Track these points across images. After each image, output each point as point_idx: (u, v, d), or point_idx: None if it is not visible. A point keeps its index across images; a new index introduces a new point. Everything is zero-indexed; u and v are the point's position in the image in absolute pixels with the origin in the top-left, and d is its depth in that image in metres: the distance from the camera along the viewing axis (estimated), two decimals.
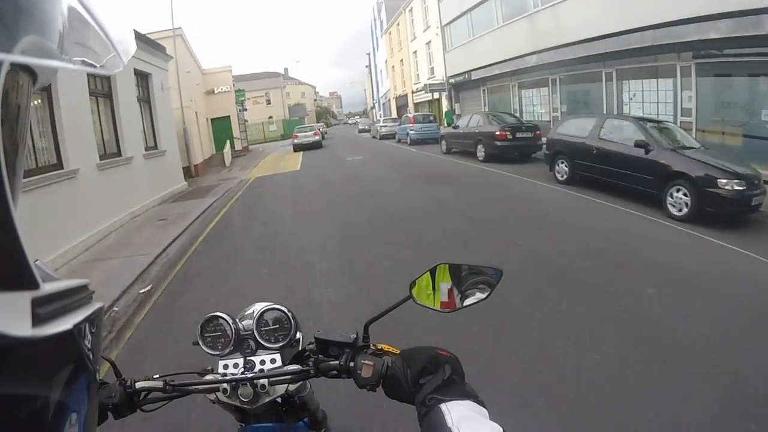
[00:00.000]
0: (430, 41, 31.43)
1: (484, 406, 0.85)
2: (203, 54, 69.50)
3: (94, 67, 0.42)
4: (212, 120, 31.16)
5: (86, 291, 0.44)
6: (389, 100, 48.47)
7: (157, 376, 1.17)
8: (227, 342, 1.23)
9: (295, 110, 73.25)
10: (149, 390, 1.14)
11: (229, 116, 31.78)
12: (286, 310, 1.29)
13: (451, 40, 27.80)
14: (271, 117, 60.44)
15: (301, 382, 1.20)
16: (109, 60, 0.43)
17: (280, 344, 1.25)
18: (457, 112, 27.43)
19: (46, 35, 0.34)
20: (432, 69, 32.08)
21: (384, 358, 1.04)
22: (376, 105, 71.59)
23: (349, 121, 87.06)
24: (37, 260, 0.37)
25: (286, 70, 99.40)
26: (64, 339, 0.36)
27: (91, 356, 0.42)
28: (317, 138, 30.52)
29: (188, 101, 21.97)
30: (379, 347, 1.10)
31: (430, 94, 31.79)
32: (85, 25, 0.40)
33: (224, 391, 1.11)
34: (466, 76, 25.89)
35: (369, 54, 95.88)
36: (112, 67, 0.44)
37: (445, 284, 1.08)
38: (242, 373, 1.16)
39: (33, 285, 0.33)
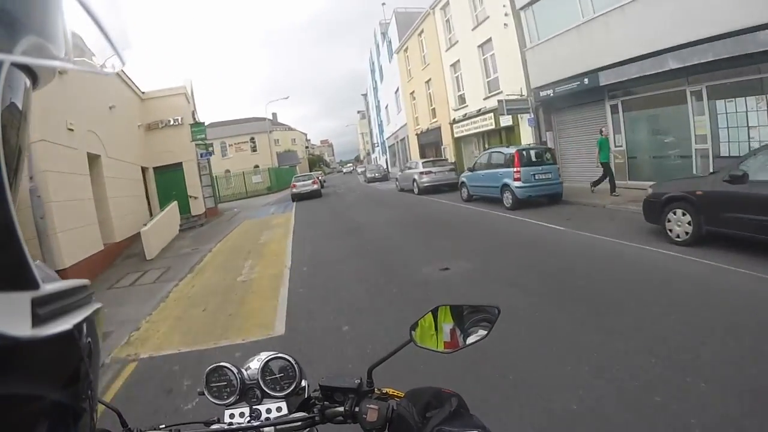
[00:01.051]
0: (487, 41, 20.21)
1: None
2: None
3: (94, 67, 0.42)
4: (156, 170, 19.48)
5: (86, 291, 0.44)
6: (404, 138, 37.21)
7: (163, 426, 1.16)
8: (233, 391, 1.20)
9: (286, 158, 62.13)
10: None
11: (181, 164, 20.07)
12: (290, 359, 1.23)
13: (537, 30, 16.69)
14: (257, 166, 48.92)
15: (307, 429, 1.15)
16: (109, 60, 0.43)
17: (286, 392, 1.20)
18: (543, 140, 16.22)
19: (46, 36, 0.34)
20: (488, 84, 20.82)
21: (389, 402, 1.04)
22: (378, 149, 60.70)
23: (344, 170, 77.22)
24: (37, 261, 0.36)
25: (274, 115, 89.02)
26: (64, 339, 0.36)
27: (90, 356, 0.41)
28: (316, 187, 27.40)
29: (79, 136, 10.55)
30: (384, 391, 1.10)
31: (490, 120, 20.42)
32: (85, 25, 0.39)
33: None
34: (579, 82, 14.58)
35: (365, 94, 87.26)
36: (112, 67, 0.43)
37: (447, 325, 1.11)
38: (248, 422, 1.15)
39: (33, 285, 0.34)
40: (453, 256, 7.84)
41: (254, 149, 57.18)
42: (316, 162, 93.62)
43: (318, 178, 30.49)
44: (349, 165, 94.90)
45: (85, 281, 0.44)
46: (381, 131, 54.54)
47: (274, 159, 57.69)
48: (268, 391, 1.21)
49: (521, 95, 17.52)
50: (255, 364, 1.28)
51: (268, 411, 1.18)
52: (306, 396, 1.25)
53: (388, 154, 49.44)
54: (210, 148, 25.98)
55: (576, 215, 10.85)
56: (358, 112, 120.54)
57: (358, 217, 14.99)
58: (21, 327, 0.30)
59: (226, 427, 1.14)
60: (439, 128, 27.26)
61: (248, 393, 1.22)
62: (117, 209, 13.55)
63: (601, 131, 12.82)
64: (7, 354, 0.29)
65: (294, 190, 27.07)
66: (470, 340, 1.11)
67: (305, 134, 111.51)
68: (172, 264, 10.85)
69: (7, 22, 0.29)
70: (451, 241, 9.21)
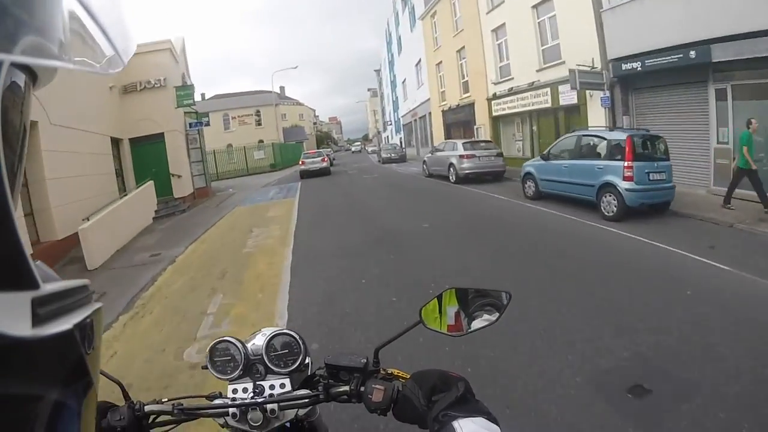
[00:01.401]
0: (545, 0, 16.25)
1: (496, 423, 0.84)
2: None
3: (94, 67, 0.42)
4: (133, 142, 15.84)
5: (86, 291, 0.44)
6: (425, 116, 33.27)
7: (166, 399, 1.14)
8: (236, 366, 1.18)
9: (292, 133, 58.36)
10: (158, 413, 1.11)
11: (162, 135, 16.39)
12: (295, 335, 1.22)
13: None
14: (261, 141, 45.08)
15: (310, 407, 1.16)
16: (108, 60, 0.43)
17: (290, 369, 1.19)
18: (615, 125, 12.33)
19: (46, 35, 0.34)
20: (543, 53, 16.87)
21: (394, 382, 1.03)
22: (391, 128, 56.73)
23: (352, 148, 72.94)
24: (38, 261, 0.37)
25: (281, 89, 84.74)
26: (64, 339, 0.36)
27: (90, 357, 0.42)
28: (325, 164, 26.34)
29: None
30: (389, 372, 1.08)
31: (545, 97, 16.56)
32: (85, 24, 0.40)
33: (233, 415, 1.09)
34: (682, 55, 10.73)
35: (378, 70, 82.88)
36: (112, 66, 0.44)
37: (451, 308, 1.09)
38: (252, 397, 1.13)
39: (33, 285, 0.34)
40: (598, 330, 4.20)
41: (259, 123, 53.33)
42: (323, 139, 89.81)
43: (327, 155, 29.06)
44: (357, 143, 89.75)
45: (85, 281, 0.44)
46: (395, 108, 50.45)
47: (280, 134, 54.01)
48: (272, 367, 1.19)
49: (592, 67, 13.65)
50: (259, 340, 1.25)
51: (272, 387, 1.16)
52: (310, 373, 1.24)
53: (403, 133, 45.46)
54: (204, 119, 22.39)
55: (710, 238, 7.29)
56: (369, 89, 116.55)
57: (383, 214, 11.17)
58: (21, 327, 0.30)
59: (229, 402, 1.12)
60: (472, 105, 23.31)
61: (252, 368, 1.20)
62: (63, 194, 9.95)
63: (749, 123, 8.78)
64: (7, 354, 0.29)
65: (302, 166, 25.97)
66: (476, 324, 1.08)
67: (314, 110, 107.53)
68: (112, 286, 7.23)
69: (7, 21, 0.29)
70: (558, 283, 5.54)
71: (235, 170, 36.60)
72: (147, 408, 1.10)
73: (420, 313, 1.06)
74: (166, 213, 14.73)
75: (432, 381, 0.96)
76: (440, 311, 1.09)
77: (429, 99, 30.82)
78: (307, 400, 1.11)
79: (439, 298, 1.08)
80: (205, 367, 1.21)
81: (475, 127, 22.87)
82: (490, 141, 18.11)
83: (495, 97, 20.34)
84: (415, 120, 37.52)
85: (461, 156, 15.93)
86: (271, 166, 38.71)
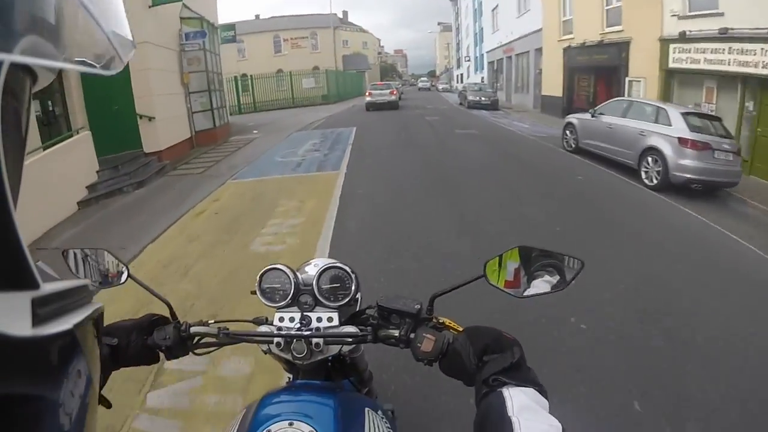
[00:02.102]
0: None
1: (546, 397, 0.82)
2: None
3: (95, 67, 0.41)
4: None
5: (86, 291, 0.44)
6: (527, 53, 25.07)
7: (212, 321, 1.14)
8: (285, 295, 1.17)
9: (353, 61, 50.53)
10: (203, 335, 1.12)
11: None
12: (348, 269, 1.19)
13: None
14: (316, 67, 37.68)
15: (354, 346, 1.15)
16: (109, 60, 0.42)
17: (339, 303, 1.16)
18: None
19: (46, 35, 0.34)
20: None
21: (445, 333, 1.00)
22: (469, 65, 48.11)
23: (419, 84, 64.03)
24: (38, 261, 0.37)
25: (345, 13, 76.35)
26: (64, 339, 0.36)
27: (90, 356, 0.42)
28: (393, 98, 24.03)
29: None
30: (442, 321, 1.06)
31: None
32: (85, 24, 0.39)
33: (278, 344, 1.08)
34: None
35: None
36: (113, 66, 0.43)
37: (512, 263, 1.04)
38: (298, 329, 1.11)
39: (33, 285, 0.34)
40: None
41: (315, 47, 46.06)
42: (388, 71, 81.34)
43: (396, 89, 26.41)
44: (424, 79, 79.29)
45: (85, 281, 0.44)
46: (478, 42, 41.72)
47: (339, 62, 46.53)
48: (322, 300, 1.16)
49: None
50: (311, 270, 1.25)
51: (319, 320, 1.13)
52: (358, 309, 1.22)
53: (487, 72, 37.18)
54: (228, 32, 15.73)
55: None
56: (440, 23, 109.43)
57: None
58: (21, 327, 0.30)
59: (275, 330, 1.10)
60: (623, 45, 15.10)
61: (301, 298, 1.18)
62: None
63: None
64: (7, 354, 0.29)
65: (369, 98, 24.44)
66: (535, 285, 1.03)
67: (379, 40, 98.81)
68: None
69: (7, 21, 0.29)
70: None
71: (278, 101, 29.85)
72: (193, 329, 1.11)
73: (484, 267, 1.03)
74: (112, 187, 8.21)
75: (485, 340, 0.92)
76: (500, 265, 1.04)
77: (539, 30, 22.55)
78: (353, 339, 1.08)
79: (503, 254, 1.03)
80: (253, 292, 1.19)
81: (626, 79, 14.90)
82: (718, 118, 9.28)
83: (681, 38, 12.20)
84: (509, 57, 29.19)
85: (681, 141, 7.91)
86: (323, 98, 31.66)
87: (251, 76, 28.46)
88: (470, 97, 25.27)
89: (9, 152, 0.33)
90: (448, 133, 14.56)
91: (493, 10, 33.96)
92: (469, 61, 48.70)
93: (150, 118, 10.03)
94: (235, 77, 27.49)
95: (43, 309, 0.33)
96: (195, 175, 9.70)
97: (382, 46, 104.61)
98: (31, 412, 0.31)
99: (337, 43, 48.13)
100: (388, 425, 1.12)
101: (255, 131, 16.36)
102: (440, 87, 58.47)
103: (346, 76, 40.32)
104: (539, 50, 23.21)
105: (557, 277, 1.02)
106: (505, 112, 22.83)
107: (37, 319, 0.32)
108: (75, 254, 1.17)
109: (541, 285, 1.03)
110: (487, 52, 36.33)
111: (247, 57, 45.02)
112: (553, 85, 20.63)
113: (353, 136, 13.81)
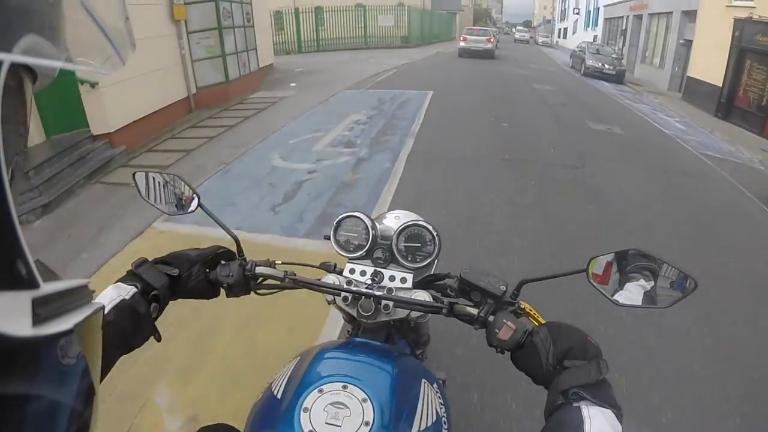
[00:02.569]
0: None
1: (621, 421, 0.76)
2: None
3: (95, 66, 0.41)
4: None
5: (86, 291, 0.43)
6: (668, 16, 19.00)
7: (279, 262, 1.13)
8: (361, 246, 1.14)
9: (444, 0, 44.39)
10: (267, 276, 1.11)
11: None
12: (432, 230, 1.12)
13: None
14: (401, 4, 32.12)
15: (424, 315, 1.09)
16: (109, 60, 0.42)
17: (417, 265, 1.11)
18: None
19: (46, 35, 0.33)
20: None
21: (524, 321, 0.95)
22: (580, 20, 41.01)
23: (516, 34, 55.18)
24: (37, 259, 0.36)
25: None
26: (64, 339, 0.35)
27: (90, 357, 0.41)
28: (490, 46, 21.77)
29: None
30: (523, 307, 1.01)
31: None
32: (86, 24, 0.39)
33: (344, 299, 1.05)
34: None
35: None
36: (113, 66, 0.43)
37: (605, 257, 0.96)
38: (369, 285, 1.05)
39: (33, 285, 0.33)
40: None
41: None
42: (481, 15, 73.61)
43: (494, 36, 23.58)
44: (521, 28, 69.29)
45: (85, 281, 0.43)
46: None
47: (427, 0, 40.72)
48: (398, 257, 1.11)
49: None
50: (391, 223, 1.26)
51: (392, 279, 1.09)
52: (434, 273, 1.17)
53: (601, 31, 30.66)
54: None
55: None
56: None
57: None
58: (21, 327, 0.30)
59: (344, 283, 1.06)
60: None
61: (375, 252, 1.13)
62: None
63: None
64: (8, 354, 0.29)
65: (463, 43, 22.15)
66: (629, 290, 0.94)
67: None
68: None
69: (7, 20, 0.29)
70: None
71: (349, 39, 25.12)
72: (258, 270, 1.09)
73: (588, 263, 0.97)
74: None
75: (569, 342, 0.87)
76: (594, 257, 0.96)
77: None
78: (426, 308, 1.02)
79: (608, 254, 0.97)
80: (327, 237, 1.16)
81: None
82: None
83: None
84: (637, 17, 22.92)
85: None
86: (403, 40, 26.59)
87: (315, 8, 23.74)
88: (589, 62, 19.16)
89: (9, 152, 0.33)
90: (576, 126, 9.24)
91: None
92: (578, 14, 41.39)
93: (92, 85, 6.05)
94: (296, 9, 23.08)
95: (44, 309, 0.33)
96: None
97: None
98: (31, 412, 0.31)
99: None
100: (441, 400, 1.03)
101: (293, 84, 12.14)
102: (540, 40, 50.96)
103: (433, 17, 34.68)
104: (689, 14, 17.23)
105: (652, 284, 0.93)
106: (634, 91, 17.24)
107: (38, 319, 0.32)
108: (146, 177, 1.12)
109: (635, 290, 0.94)
110: (606, 6, 29.66)
111: None
112: (709, 66, 14.91)
113: (424, 111, 9.20)
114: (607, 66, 18.60)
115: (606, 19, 29.76)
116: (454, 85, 12.53)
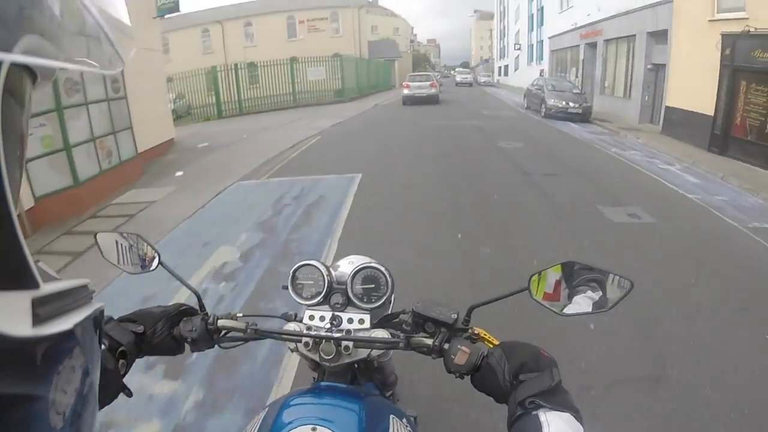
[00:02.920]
0: None
1: (581, 422, 0.79)
2: None
3: (95, 66, 0.41)
4: None
5: (86, 291, 0.44)
6: (630, 39, 16.76)
7: (241, 315, 1.13)
8: (318, 292, 1.16)
9: (382, 47, 42.46)
10: (230, 329, 1.10)
11: None
12: (384, 271, 1.16)
13: None
14: (337, 54, 29.36)
15: (383, 351, 1.12)
16: (109, 59, 0.43)
17: (373, 305, 1.14)
18: None
19: (46, 35, 0.34)
20: None
21: (479, 345, 0.98)
22: (523, 55, 39.61)
23: (457, 76, 53.09)
24: (38, 261, 0.37)
25: None
26: (64, 339, 0.36)
27: (90, 356, 0.42)
28: (434, 91, 21.27)
29: None
30: (477, 332, 1.03)
31: None
32: (86, 24, 0.39)
33: (306, 344, 1.06)
34: None
35: None
36: (113, 66, 0.43)
37: (554, 275, 0.99)
38: (328, 329, 1.09)
39: (33, 285, 0.33)
40: None
41: (337, 32, 38.31)
42: (420, 61, 72.93)
43: (436, 80, 23.41)
44: (462, 70, 63.83)
45: (85, 281, 0.44)
46: (535, 26, 33.23)
47: (364, 48, 38.59)
48: (354, 300, 1.14)
49: None
50: (346, 268, 1.24)
51: (350, 321, 1.11)
52: (390, 312, 1.18)
53: (549, 64, 28.76)
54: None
55: None
56: (476, 11, 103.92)
57: None
58: (21, 327, 0.30)
59: (304, 329, 1.08)
60: None
61: (332, 297, 1.16)
62: None
63: None
64: (8, 354, 0.29)
65: (406, 91, 21.30)
66: (577, 302, 0.98)
67: (412, 27, 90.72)
68: None
69: (7, 20, 0.29)
70: None
71: (275, 98, 21.83)
72: (220, 323, 1.09)
73: (529, 280, 1.00)
74: None
75: (522, 357, 0.89)
76: (540, 276, 1.00)
77: (659, 4, 14.26)
78: (384, 344, 1.05)
79: (548, 269, 0.99)
80: (285, 287, 1.17)
81: None
82: None
83: None
84: (590, 45, 20.87)
85: None
86: (337, 94, 23.74)
87: (234, 66, 20.61)
88: (551, 101, 16.31)
89: (9, 152, 0.33)
90: (588, 223, 5.76)
91: None
92: (519, 49, 40.11)
93: None
94: (212, 68, 20.09)
95: (43, 309, 0.33)
96: None
97: (415, 35, 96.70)
98: (31, 411, 0.31)
99: (364, 27, 40.46)
100: None
101: (179, 172, 8.68)
102: (481, 80, 49.27)
103: (370, 65, 32.38)
104: (657, 35, 15.01)
105: (599, 294, 0.97)
106: (607, 130, 14.60)
107: (38, 319, 0.32)
108: (109, 238, 1.13)
109: (583, 302, 0.98)
110: (551, 37, 27.89)
111: (255, 43, 38.23)
112: (693, 93, 12.55)
113: (343, 220, 5.78)
114: (571, 104, 15.89)
115: (552, 51, 27.92)
116: (393, 158, 9.40)
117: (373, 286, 1.15)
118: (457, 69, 73.74)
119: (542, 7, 30.60)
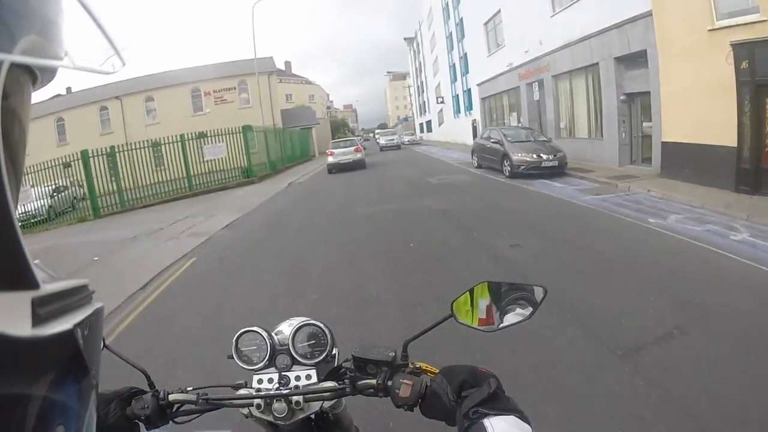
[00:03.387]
0: None
1: (528, 422, 0.80)
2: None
3: (95, 66, 0.42)
4: None
5: (86, 291, 0.44)
6: (591, 68, 13.93)
7: (191, 388, 1.10)
8: (262, 357, 1.13)
9: (297, 115, 39.14)
10: (182, 402, 1.08)
11: None
12: (323, 326, 1.15)
13: None
14: (248, 126, 25.18)
15: (336, 400, 1.12)
16: (109, 60, 0.42)
17: (316, 360, 1.13)
18: None
19: (46, 35, 0.34)
20: None
21: (422, 377, 0.98)
22: (443, 106, 37.50)
23: (379, 139, 49.89)
24: (37, 260, 0.37)
25: (287, 64, 66.67)
26: (64, 339, 0.36)
27: (90, 356, 0.41)
28: (360, 156, 20.34)
29: None
30: (418, 366, 1.03)
31: None
32: (86, 25, 0.39)
33: (258, 406, 1.04)
34: None
35: (412, 38, 63.17)
36: (112, 66, 0.43)
37: (483, 301, 1.02)
38: (277, 389, 1.08)
39: (33, 285, 0.34)
40: None
41: (246, 102, 34.66)
42: (339, 126, 70.68)
43: (361, 145, 22.10)
44: (386, 131, 53.11)
45: (85, 281, 0.44)
46: (457, 76, 31.13)
47: (278, 117, 34.99)
48: (299, 359, 1.13)
49: None
50: (286, 330, 1.21)
51: (297, 378, 1.10)
52: (336, 365, 1.18)
53: (481, 112, 26.11)
54: None
55: None
56: (388, 72, 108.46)
57: None
58: (21, 327, 0.30)
59: (254, 392, 1.07)
60: None
61: (278, 359, 1.14)
62: None
63: None
64: (8, 354, 0.29)
65: (331, 158, 20.18)
66: (508, 319, 1.01)
67: (328, 94, 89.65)
68: None
69: (7, 21, 0.29)
70: None
71: (165, 187, 17.11)
72: (171, 397, 1.07)
73: (451, 307, 1.01)
74: None
75: (461, 376, 0.91)
76: (472, 304, 1.02)
77: (628, 22, 11.42)
78: (332, 393, 1.06)
79: (471, 291, 1.01)
80: (230, 357, 1.15)
81: None
82: None
83: None
84: (532, 84, 18.20)
85: None
86: (245, 173, 19.42)
87: (111, 149, 16.04)
88: (518, 156, 12.65)
89: (9, 153, 0.33)
90: None
91: (486, 23, 23.29)
92: (442, 102, 38.02)
93: None
94: (113, 148, 15.59)
95: (43, 309, 0.33)
96: None
97: (331, 101, 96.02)
98: (31, 411, 0.31)
99: (277, 95, 37.18)
100: None
101: None
102: (406, 139, 43.86)
103: (284, 135, 28.62)
104: (626, 59, 12.39)
105: (530, 309, 0.99)
106: (594, 182, 11.23)
107: (37, 319, 0.32)
108: None
109: (513, 317, 1.00)
110: (480, 84, 25.46)
111: (158, 119, 33.74)
112: (699, 121, 9.87)
113: None
114: (544, 156, 12.37)
115: (483, 98, 25.38)
116: (311, 286, 5.43)
117: (314, 342, 1.13)
118: (376, 131, 71.03)
119: (465, 54, 28.48)
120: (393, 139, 39.46)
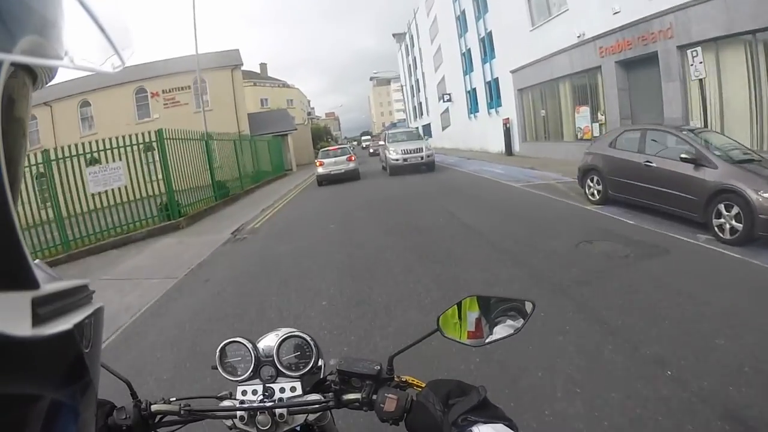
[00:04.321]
0: None
1: (516, 431, 0.79)
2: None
3: (95, 66, 0.42)
4: None
5: (86, 291, 0.44)
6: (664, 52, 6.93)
7: (174, 399, 1.07)
8: (246, 368, 1.11)
9: (270, 120, 31.78)
10: (165, 413, 1.05)
11: None
12: (308, 338, 1.14)
13: None
14: (208, 135, 17.37)
15: (320, 413, 1.10)
16: (109, 60, 0.42)
17: (301, 372, 1.12)
18: None
19: (46, 35, 0.34)
20: None
21: (408, 391, 0.96)
22: (449, 104, 30.56)
23: (363, 143, 43.13)
24: (37, 260, 0.37)
25: (263, 66, 59.94)
26: (64, 339, 0.36)
27: (90, 357, 0.41)
28: (353, 165, 18.22)
29: None
30: (404, 379, 1.01)
31: None
32: (85, 24, 0.39)
33: (241, 418, 1.02)
34: None
35: (402, 34, 56.32)
36: (112, 66, 0.43)
37: (472, 314, 1.01)
38: (261, 400, 1.06)
39: (33, 285, 0.33)
40: None
41: (205, 105, 26.90)
42: (321, 134, 63.38)
43: (353, 154, 19.21)
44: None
45: (85, 281, 0.44)
46: (477, 64, 23.99)
47: (244, 121, 27.64)
48: (283, 370, 1.12)
49: None
50: (271, 341, 1.20)
51: (282, 390, 1.09)
52: (321, 377, 1.17)
53: (515, 109, 19.02)
54: None
55: None
56: (372, 78, 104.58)
57: None
58: (21, 327, 0.30)
59: (237, 404, 1.05)
60: None
61: (262, 370, 1.13)
62: None
63: None
64: (7, 354, 0.29)
65: (320, 169, 18.12)
66: (498, 331, 0.99)
67: (309, 101, 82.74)
68: None
69: (7, 21, 0.29)
70: None
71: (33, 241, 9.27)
72: (154, 408, 1.05)
73: (438, 321, 0.99)
74: None
75: (448, 387, 0.89)
76: (460, 318, 1.00)
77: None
78: (317, 406, 1.03)
79: (459, 305, 1.00)
80: (214, 368, 1.13)
81: None
82: None
83: None
84: (625, 64, 11.18)
85: None
86: (163, 214, 11.19)
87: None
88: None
89: (9, 153, 0.33)
90: None
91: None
92: (449, 100, 30.90)
93: None
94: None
95: (43, 309, 0.33)
96: None
97: (313, 108, 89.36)
98: (31, 411, 0.31)
99: (245, 94, 30.10)
100: None
101: None
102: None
103: (244, 145, 21.04)
104: None
105: (520, 321, 0.98)
106: None
107: (37, 319, 0.32)
108: None
109: (503, 330, 0.98)
110: (515, 71, 18.39)
111: (95, 129, 26.21)
112: None
113: None
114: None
115: (521, 89, 18.31)
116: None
117: (299, 353, 1.12)
118: (363, 138, 65.02)
119: (488, 33, 21.34)
120: (416, 151, 18.26)
